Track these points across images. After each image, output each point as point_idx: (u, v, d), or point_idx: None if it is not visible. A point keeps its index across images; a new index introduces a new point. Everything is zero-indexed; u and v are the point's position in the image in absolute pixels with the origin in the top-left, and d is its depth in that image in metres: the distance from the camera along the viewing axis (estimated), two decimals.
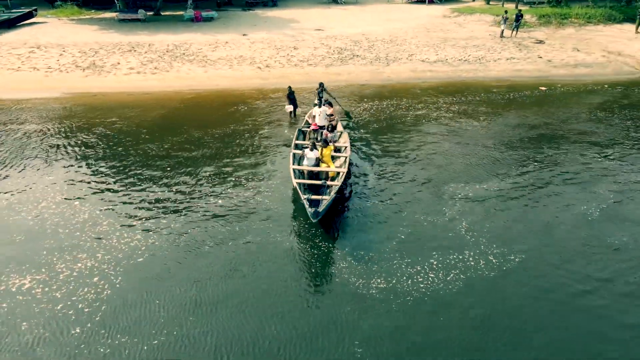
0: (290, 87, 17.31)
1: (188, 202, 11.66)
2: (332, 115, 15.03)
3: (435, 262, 9.61)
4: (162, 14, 34.68)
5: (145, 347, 7.48)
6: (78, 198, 11.70)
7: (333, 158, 12.83)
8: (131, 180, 12.68)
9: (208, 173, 13.13)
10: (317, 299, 8.61)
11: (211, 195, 11.94)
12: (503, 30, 29.12)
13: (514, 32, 29.61)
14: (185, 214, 11.11)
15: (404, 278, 9.11)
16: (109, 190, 12.16)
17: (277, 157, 14.16)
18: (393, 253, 9.84)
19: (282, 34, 28.40)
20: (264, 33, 28.50)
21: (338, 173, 12.05)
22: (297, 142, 13.74)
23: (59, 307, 8.26)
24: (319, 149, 12.23)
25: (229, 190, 12.22)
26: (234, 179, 12.77)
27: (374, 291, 8.73)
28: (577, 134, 17.18)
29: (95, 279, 8.96)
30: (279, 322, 8.02)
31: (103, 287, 8.73)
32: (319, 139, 13.60)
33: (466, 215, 11.39)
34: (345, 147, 13.44)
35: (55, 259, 9.46)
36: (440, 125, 17.30)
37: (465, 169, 13.83)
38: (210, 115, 17.52)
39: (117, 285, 8.78)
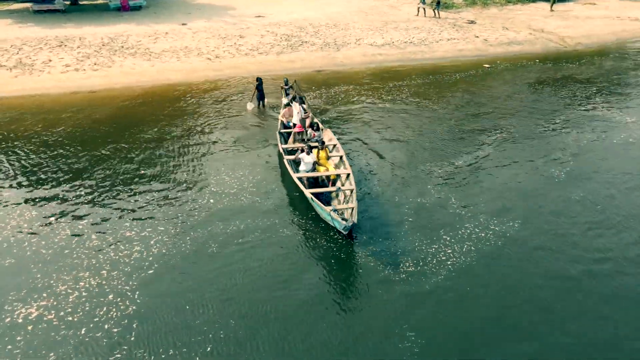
0: (259, 78, 16.95)
1: (170, 210, 11.11)
2: (306, 112, 14.54)
3: (444, 240, 10.08)
4: (82, 2, 31.99)
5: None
6: (52, 215, 10.68)
7: (328, 159, 12.28)
8: (102, 188, 11.81)
9: (179, 175, 12.58)
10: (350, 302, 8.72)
11: (199, 198, 11.48)
12: (420, 9, 30.74)
13: (437, 12, 31.01)
14: (169, 223, 10.59)
15: (421, 259, 9.47)
16: (82, 203, 11.24)
17: (252, 154, 13.66)
18: (406, 236, 10.16)
19: (222, 22, 27.46)
20: (203, 22, 27.37)
21: (338, 175, 11.66)
22: (284, 146, 12.96)
23: (83, 332, 7.61)
24: (315, 151, 11.72)
25: (218, 191, 11.82)
26: (218, 177, 12.35)
27: (398, 275, 9.00)
28: (525, 105, 18.64)
29: (110, 296, 8.34)
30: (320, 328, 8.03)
31: (124, 303, 8.15)
32: (305, 139, 13.08)
33: (450, 189, 12.07)
34: (335, 145, 12.91)
35: (55, 282, 8.63)
36: (403, 107, 17.87)
37: (435, 148, 14.51)
38: (169, 111, 16.65)
39: (138, 300, 8.23)
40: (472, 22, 30.42)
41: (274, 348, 7.40)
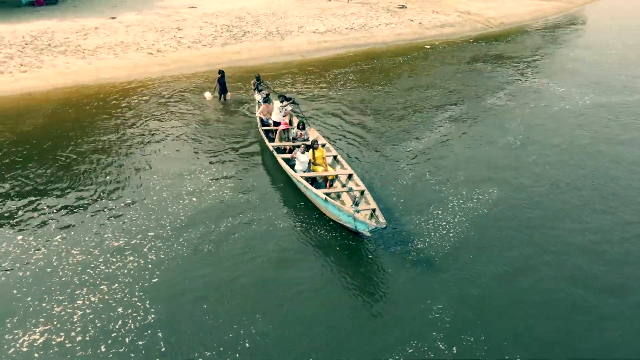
0: (221, 71, 16.35)
1: (153, 215, 10.52)
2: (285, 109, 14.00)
3: (437, 215, 10.49)
4: None
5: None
6: (23, 233, 9.67)
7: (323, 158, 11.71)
8: (69, 199, 10.88)
9: (157, 177, 11.93)
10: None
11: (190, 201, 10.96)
12: None
13: None
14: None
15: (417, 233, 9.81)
16: (50, 218, 10.28)
17: (231, 154, 13.16)
18: (401, 217, 10.43)
19: (155, 14, 26.00)
20: (133, 14, 25.73)
21: (336, 176, 11.35)
22: (274, 144, 12.37)
23: (103, 349, 7.02)
24: (310, 151, 11.34)
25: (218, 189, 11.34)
26: (202, 179, 11.85)
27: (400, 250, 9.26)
28: (468, 82, 19.85)
29: (120, 309, 7.76)
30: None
31: (137, 314, 7.62)
32: (290, 138, 12.67)
33: (422, 167, 12.64)
34: (325, 145, 12.49)
35: (51, 306, 7.82)
36: (357, 92, 18.20)
37: (397, 129, 15.04)
38: (124, 111, 15.55)
39: (150, 309, 7.73)
40: (402, 6, 31.39)
41: (298, 345, 7.33)
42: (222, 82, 16.17)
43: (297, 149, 11.61)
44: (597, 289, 8.50)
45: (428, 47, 24.68)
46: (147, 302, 7.87)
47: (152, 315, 7.59)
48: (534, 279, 8.70)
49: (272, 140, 12.87)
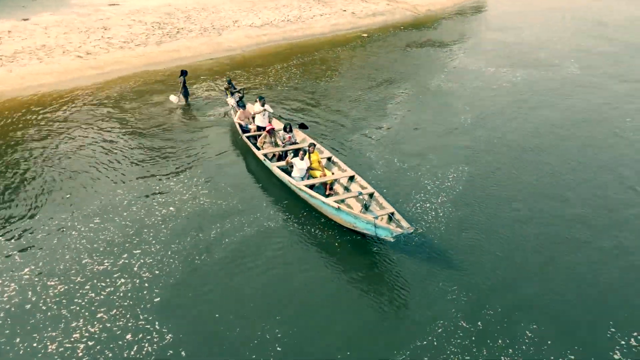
0: (184, 71, 15.45)
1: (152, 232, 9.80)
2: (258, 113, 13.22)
3: (420, 199, 10.76)
4: None
5: None
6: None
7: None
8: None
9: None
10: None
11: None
12: None
13: None
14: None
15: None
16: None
17: (211, 163, 12.34)
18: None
19: (74, 13, 23.84)
20: (49, 15, 23.40)
21: (335, 180, 10.86)
22: (264, 152, 11.56)
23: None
24: (307, 155, 10.71)
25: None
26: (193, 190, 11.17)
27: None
28: (409, 67, 20.57)
29: (128, 336, 7.11)
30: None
31: (154, 338, 7.02)
32: (278, 142, 12.02)
33: (388, 153, 12.97)
34: (315, 146, 11.96)
35: (48, 341, 7.01)
36: (304, 85, 18.11)
37: (353, 118, 15.22)
38: (60, 123, 14.22)
39: (165, 330, 7.18)
40: None
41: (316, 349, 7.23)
42: (185, 84, 15.35)
43: (291, 153, 11.20)
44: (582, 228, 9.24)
45: (365, 35, 25.10)
46: (157, 323, 7.31)
47: (169, 335, 7.08)
48: (529, 243, 9.26)
49: (256, 146, 12.04)
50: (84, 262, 8.56)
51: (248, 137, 12.56)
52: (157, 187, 10.96)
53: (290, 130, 12.09)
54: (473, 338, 7.17)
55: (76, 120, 14.32)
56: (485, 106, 16.58)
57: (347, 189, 10.72)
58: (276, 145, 12.03)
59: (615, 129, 15.04)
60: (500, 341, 7.14)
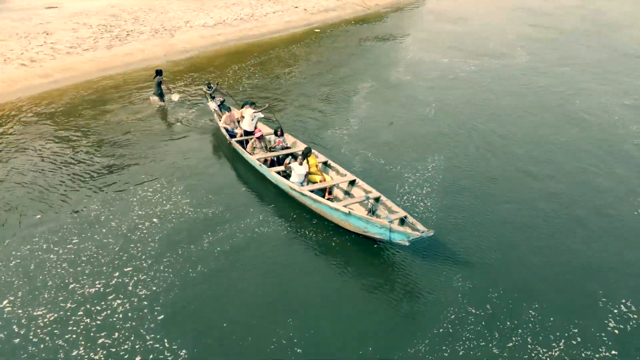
0: (159, 70, 14.77)
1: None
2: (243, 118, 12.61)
3: (405, 192, 10.92)
4: None
5: None
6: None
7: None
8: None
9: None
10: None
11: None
12: None
13: None
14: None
15: None
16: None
17: (200, 173, 11.98)
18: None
19: (7, 18, 22.07)
20: None
21: (334, 185, 10.54)
22: (257, 157, 11.14)
23: None
24: (305, 160, 10.37)
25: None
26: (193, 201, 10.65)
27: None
28: (367, 60, 20.84)
29: (137, 358, 6.71)
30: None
31: (167, 358, 6.67)
32: (268, 147, 11.67)
33: (360, 147, 13.10)
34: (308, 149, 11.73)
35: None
36: (272, 84, 17.88)
37: (320, 113, 15.30)
38: (19, 136, 13.20)
39: (175, 346, 6.83)
40: None
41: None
42: (160, 84, 14.79)
43: (289, 158, 10.96)
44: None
45: (317, 30, 25.09)
46: (166, 340, 6.96)
47: (183, 351, 6.75)
48: (514, 218, 9.62)
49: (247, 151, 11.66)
50: (70, 287, 7.98)
51: (238, 142, 12.05)
52: (135, 199, 10.40)
53: (282, 134, 11.76)
54: (483, 323, 7.36)
55: (34, 133, 13.31)
56: (447, 96, 17.08)
57: (347, 193, 10.43)
58: (268, 150, 11.67)
59: (569, 109, 15.97)
60: (508, 322, 7.38)
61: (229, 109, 13.04)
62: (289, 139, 12.27)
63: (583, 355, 6.86)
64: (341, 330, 7.24)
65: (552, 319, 7.47)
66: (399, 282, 8.27)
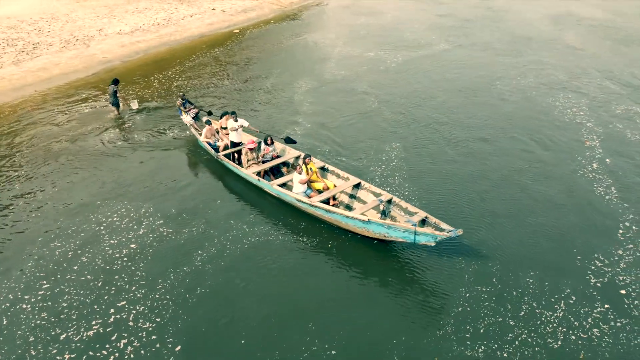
0: (116, 80, 13.80)
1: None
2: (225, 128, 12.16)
3: (397, 180, 11.16)
4: None
5: None
6: None
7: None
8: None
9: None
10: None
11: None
12: None
13: None
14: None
15: None
16: None
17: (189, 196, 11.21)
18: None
19: None
20: None
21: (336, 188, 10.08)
22: (253, 170, 10.59)
23: None
24: (305, 168, 9.91)
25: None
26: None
27: None
28: (296, 56, 20.82)
29: None
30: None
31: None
32: (259, 157, 11.11)
33: (325, 140, 13.27)
34: (299, 156, 11.24)
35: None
36: (203, 91, 17.25)
37: (268, 117, 15.21)
38: None
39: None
40: None
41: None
42: (116, 94, 13.84)
43: (286, 168, 10.64)
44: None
45: (237, 31, 24.57)
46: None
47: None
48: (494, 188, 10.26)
49: (240, 165, 11.11)
50: (61, 337, 7.08)
51: (227, 156, 11.36)
52: (101, 229, 9.48)
53: (272, 143, 11.24)
54: (494, 298, 7.77)
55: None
56: (384, 86, 17.65)
57: (353, 196, 10.11)
58: (263, 161, 11.13)
59: (493, 88, 17.28)
60: (514, 293, 7.87)
61: (209, 122, 12.20)
62: (277, 146, 11.76)
63: (582, 312, 7.53)
64: (363, 333, 7.23)
65: (546, 283, 8.10)
66: (395, 273, 8.41)
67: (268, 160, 11.18)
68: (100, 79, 17.60)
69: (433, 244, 7.89)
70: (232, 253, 8.77)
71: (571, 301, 7.75)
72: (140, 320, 7.31)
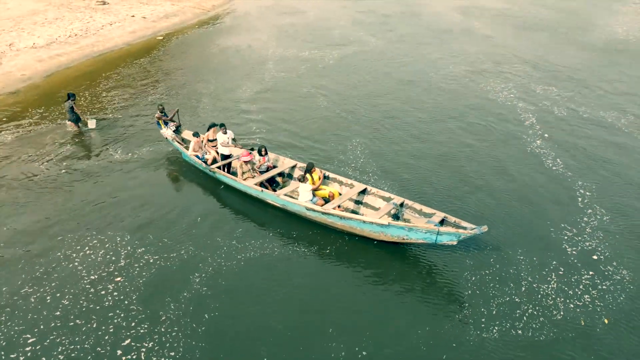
0: (70, 94, 12.70)
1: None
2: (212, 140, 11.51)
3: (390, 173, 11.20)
4: None
5: None
6: None
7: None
8: None
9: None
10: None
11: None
12: None
13: None
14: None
15: None
16: None
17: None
18: None
19: None
20: None
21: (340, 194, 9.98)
22: (253, 181, 10.10)
23: None
24: (309, 178, 9.68)
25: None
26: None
27: None
28: (230, 59, 20.30)
29: None
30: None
31: None
32: (255, 168, 10.62)
33: (281, 137, 13.09)
34: (295, 165, 10.99)
35: None
36: (140, 106, 16.20)
37: (220, 121, 14.73)
38: None
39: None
40: (103, 2, 27.82)
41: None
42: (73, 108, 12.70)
43: (282, 178, 10.37)
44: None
45: (160, 37, 23.29)
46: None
47: None
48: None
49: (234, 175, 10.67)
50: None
51: (222, 167, 10.88)
52: (74, 265, 8.52)
53: (266, 153, 10.72)
54: (497, 279, 8.13)
55: None
56: (327, 84, 17.68)
57: (359, 202, 9.94)
58: (255, 171, 10.62)
59: (430, 77, 18.06)
60: (511, 271, 8.30)
61: (197, 134, 11.42)
62: (270, 156, 11.29)
63: (572, 280, 8.13)
64: (386, 328, 7.23)
65: (535, 258, 8.64)
66: (398, 271, 8.52)
67: (264, 171, 10.74)
68: (23, 98, 15.72)
69: (455, 243, 7.91)
70: (229, 271, 8.33)
71: (560, 272, 8.34)
72: (154, 359, 6.67)
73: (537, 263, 8.52)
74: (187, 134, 12.51)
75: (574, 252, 8.82)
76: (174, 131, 11.98)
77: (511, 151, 12.70)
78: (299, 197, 9.59)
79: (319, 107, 15.57)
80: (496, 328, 7.20)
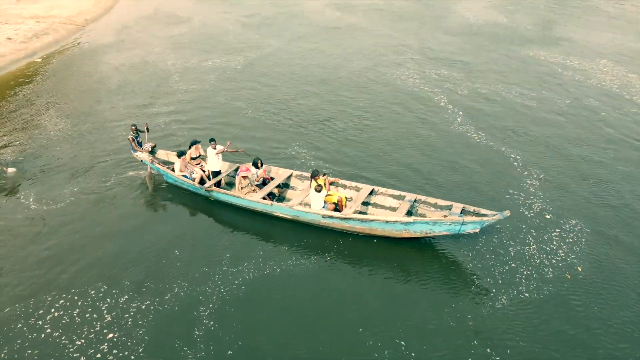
0: None
1: None
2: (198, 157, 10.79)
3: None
4: None
5: None
6: None
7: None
8: None
9: None
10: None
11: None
12: None
13: None
14: None
15: None
16: None
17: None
18: None
19: None
20: None
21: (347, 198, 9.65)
22: (259, 195, 9.49)
23: None
24: (314, 183, 9.25)
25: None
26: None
27: None
28: (126, 75, 18.51)
29: None
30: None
31: None
32: (253, 182, 9.97)
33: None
34: (291, 174, 10.48)
35: None
36: (41, 137, 14.04)
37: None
38: None
39: None
40: None
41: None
42: None
43: (278, 189, 9.86)
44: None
45: (39, 60, 20.20)
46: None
47: None
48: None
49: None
50: None
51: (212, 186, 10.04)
52: (50, 333, 7.11)
53: (261, 165, 9.98)
54: (505, 267, 8.63)
55: None
56: (245, 92, 16.95)
57: (366, 204, 9.75)
58: (253, 185, 9.84)
59: (341, 73, 18.43)
60: (505, 241, 8.89)
61: (182, 153, 10.29)
62: (266, 168, 10.70)
63: (545, 238, 9.06)
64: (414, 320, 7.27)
65: (508, 225, 9.40)
66: (401, 266, 8.63)
67: (261, 184, 10.09)
68: None
69: (477, 231, 8.13)
70: (236, 294, 7.59)
71: (534, 234, 9.22)
72: None
73: (512, 229, 9.27)
74: (161, 153, 11.20)
75: (531, 214, 9.77)
76: (150, 152, 10.56)
77: (438, 131, 13.63)
78: (312, 206, 9.25)
79: (245, 117, 14.88)
80: (504, 297, 7.71)
